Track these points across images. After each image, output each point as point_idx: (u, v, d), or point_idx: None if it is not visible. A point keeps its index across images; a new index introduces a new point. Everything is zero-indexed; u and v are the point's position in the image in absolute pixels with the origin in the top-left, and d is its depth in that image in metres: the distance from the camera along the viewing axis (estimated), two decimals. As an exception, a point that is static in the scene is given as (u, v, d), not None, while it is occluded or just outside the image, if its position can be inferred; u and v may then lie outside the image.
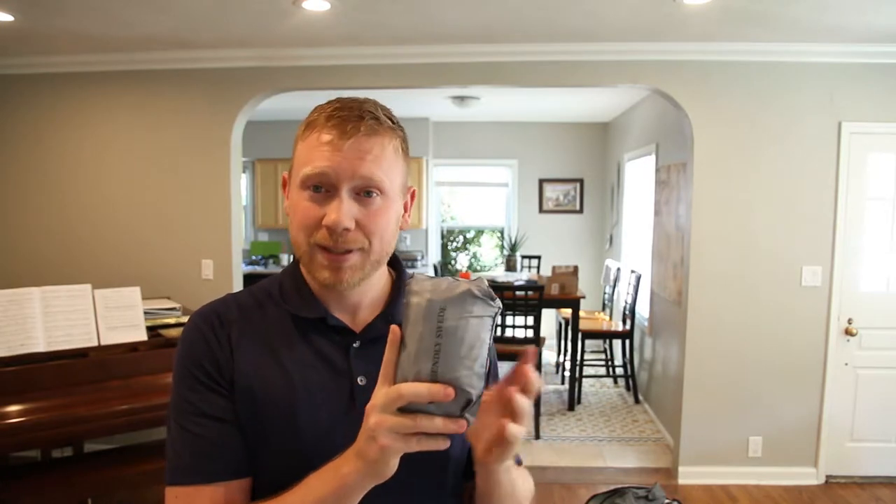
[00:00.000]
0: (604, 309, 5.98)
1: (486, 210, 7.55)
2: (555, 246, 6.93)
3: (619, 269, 5.73)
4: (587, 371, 5.64)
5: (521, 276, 5.30)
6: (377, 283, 0.93)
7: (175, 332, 2.86)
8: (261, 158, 6.65)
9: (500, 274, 5.51)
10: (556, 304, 4.92)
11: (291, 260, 0.97)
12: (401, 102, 5.59)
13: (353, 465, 0.72)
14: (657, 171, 4.73)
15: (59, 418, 2.28)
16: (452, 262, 8.12)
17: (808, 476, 3.59)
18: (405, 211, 0.92)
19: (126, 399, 2.41)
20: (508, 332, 4.62)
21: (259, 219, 6.83)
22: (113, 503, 3.08)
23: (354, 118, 0.83)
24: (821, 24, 3.02)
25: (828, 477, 3.60)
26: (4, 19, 2.99)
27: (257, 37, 3.35)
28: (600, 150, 6.92)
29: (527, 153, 7.00)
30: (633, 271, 5.13)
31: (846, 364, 3.54)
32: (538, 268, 6.64)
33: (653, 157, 4.88)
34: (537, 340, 4.35)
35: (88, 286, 2.55)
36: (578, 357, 4.92)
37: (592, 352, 6.27)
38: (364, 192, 0.84)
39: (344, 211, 0.82)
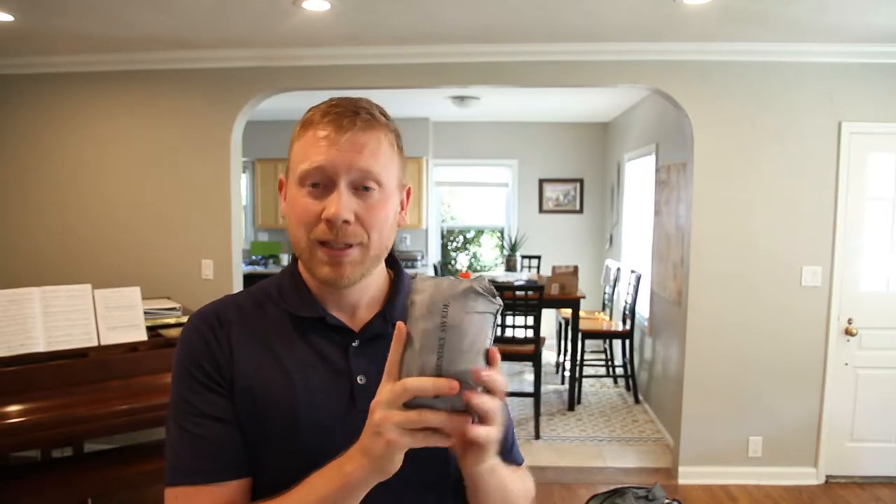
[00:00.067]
0: (604, 309, 5.98)
1: (486, 210, 7.55)
2: (555, 246, 6.93)
3: (619, 269, 5.73)
4: (587, 371, 5.64)
5: (521, 276, 5.30)
6: (376, 281, 0.93)
7: (175, 332, 2.86)
8: (261, 158, 6.65)
9: (500, 274, 5.51)
10: (556, 304, 4.92)
11: (291, 260, 0.97)
12: (401, 102, 5.59)
13: (357, 462, 0.72)
14: (657, 171, 4.73)
15: (59, 418, 2.27)
16: (452, 262, 8.12)
17: (808, 476, 3.59)
18: (402, 208, 0.93)
19: (126, 399, 2.41)
20: (508, 332, 4.62)
21: (259, 219, 6.84)
22: (113, 503, 3.08)
23: (349, 114, 0.84)
24: (821, 24, 3.02)
25: (828, 477, 3.60)
26: (4, 19, 2.99)
27: (257, 37, 3.35)
28: (600, 150, 6.92)
29: (527, 153, 7.00)
30: (633, 271, 5.13)
31: (846, 364, 3.54)
32: (538, 268, 6.64)
33: (653, 157, 4.88)
34: (537, 340, 4.35)
35: (88, 286, 2.55)
36: (578, 357, 4.93)
37: (592, 352, 6.27)
38: (362, 187, 0.85)
39: (343, 203, 0.82)
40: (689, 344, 3.58)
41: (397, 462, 0.71)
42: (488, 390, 0.70)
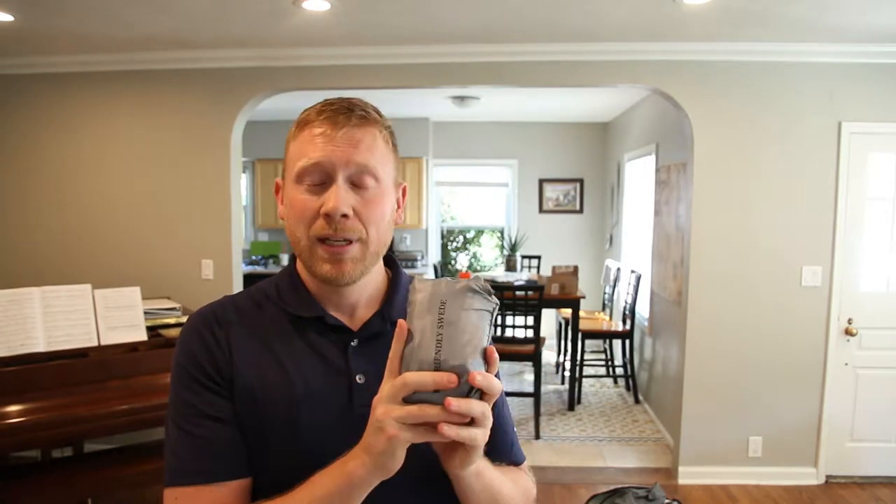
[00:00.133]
0: (604, 309, 5.98)
1: (486, 210, 7.55)
2: (555, 246, 6.93)
3: (619, 269, 5.73)
4: (587, 371, 5.65)
5: (521, 276, 5.30)
6: (374, 281, 0.94)
7: (175, 332, 2.86)
8: (261, 158, 6.65)
9: (500, 274, 5.51)
10: (556, 304, 4.92)
11: (289, 261, 0.98)
12: (401, 102, 5.59)
13: (359, 459, 0.72)
14: (657, 171, 4.73)
15: (59, 418, 2.27)
16: (452, 262, 8.12)
17: (808, 476, 3.59)
18: (399, 207, 0.93)
19: (126, 399, 2.41)
20: (508, 332, 4.62)
21: (259, 219, 6.84)
22: (113, 503, 3.08)
23: (344, 111, 0.86)
24: (821, 24, 3.02)
25: (828, 477, 3.60)
26: (4, 19, 2.99)
27: (257, 37, 3.36)
28: (600, 150, 6.92)
29: (527, 153, 7.00)
30: (633, 271, 5.13)
31: (846, 364, 3.54)
32: (538, 268, 6.64)
33: (653, 157, 4.88)
34: (537, 340, 4.35)
35: (88, 286, 2.55)
36: (578, 357, 4.93)
37: (592, 352, 6.27)
38: (360, 183, 0.85)
39: (341, 197, 0.83)
40: (689, 344, 3.58)
41: (399, 459, 0.71)
42: (482, 393, 0.70)
